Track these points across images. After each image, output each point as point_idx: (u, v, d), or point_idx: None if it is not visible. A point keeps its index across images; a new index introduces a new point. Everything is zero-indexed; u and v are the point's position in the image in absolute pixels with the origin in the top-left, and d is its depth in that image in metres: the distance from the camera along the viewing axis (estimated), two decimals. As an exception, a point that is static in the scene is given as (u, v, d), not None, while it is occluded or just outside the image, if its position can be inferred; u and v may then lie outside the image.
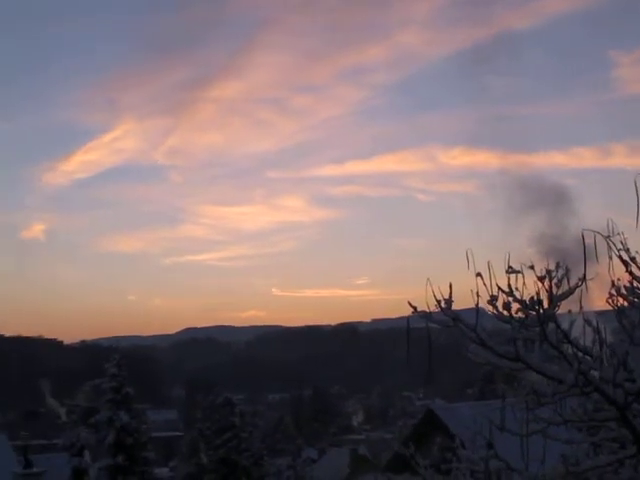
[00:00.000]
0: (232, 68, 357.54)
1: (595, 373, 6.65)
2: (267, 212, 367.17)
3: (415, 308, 6.60)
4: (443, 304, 6.52)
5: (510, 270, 6.49)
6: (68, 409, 51.13)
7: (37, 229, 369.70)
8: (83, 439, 36.29)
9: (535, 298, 6.47)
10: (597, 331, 6.72)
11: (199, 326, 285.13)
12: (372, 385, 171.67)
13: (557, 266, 6.53)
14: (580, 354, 6.68)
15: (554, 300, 6.51)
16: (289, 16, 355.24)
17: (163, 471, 64.10)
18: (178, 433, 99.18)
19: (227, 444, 55.59)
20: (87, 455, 36.96)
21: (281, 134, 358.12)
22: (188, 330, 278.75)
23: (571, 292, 6.59)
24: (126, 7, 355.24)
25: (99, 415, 40.80)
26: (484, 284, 6.44)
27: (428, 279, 6.45)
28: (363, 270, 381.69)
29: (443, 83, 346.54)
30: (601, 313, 7.06)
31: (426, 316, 6.57)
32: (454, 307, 6.62)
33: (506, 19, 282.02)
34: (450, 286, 6.53)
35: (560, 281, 6.53)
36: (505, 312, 6.54)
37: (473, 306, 6.62)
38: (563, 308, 6.65)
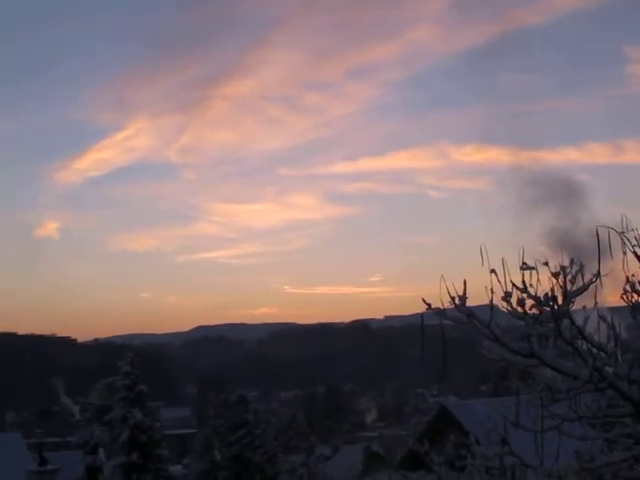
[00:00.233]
0: (244, 66, 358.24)
1: (610, 369, 6.64)
2: (279, 210, 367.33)
3: (429, 305, 6.60)
4: (457, 301, 6.52)
5: (524, 266, 6.49)
6: (82, 407, 51.20)
7: (50, 227, 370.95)
8: (97, 437, 36.38)
9: (549, 294, 6.46)
10: (612, 327, 6.71)
11: (212, 324, 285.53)
12: (385, 382, 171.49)
13: (571, 262, 6.52)
14: (595, 350, 6.67)
15: (568, 296, 6.50)
16: (301, 14, 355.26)
17: (177, 468, 64.13)
18: (191, 430, 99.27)
19: (241, 441, 55.67)
20: (101, 453, 37.04)
21: (293, 132, 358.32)
22: (201, 328, 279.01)
23: (585, 288, 6.58)
24: (139, 6, 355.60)
25: (113, 413, 40.88)
26: (498, 281, 6.44)
27: (442, 276, 6.46)
28: (376, 267, 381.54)
29: (455, 80, 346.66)
30: (615, 309, 7.05)
31: (440, 313, 6.57)
32: (467, 303, 6.62)
33: (518, 15, 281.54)
34: (464, 283, 6.54)
35: (574, 277, 6.52)
36: (519, 308, 6.54)
37: (486, 303, 6.61)
38: (577, 304, 6.64)
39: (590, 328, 6.71)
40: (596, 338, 6.73)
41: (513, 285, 6.50)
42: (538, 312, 6.54)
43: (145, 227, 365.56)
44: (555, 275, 6.48)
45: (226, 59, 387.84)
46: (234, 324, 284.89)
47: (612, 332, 6.69)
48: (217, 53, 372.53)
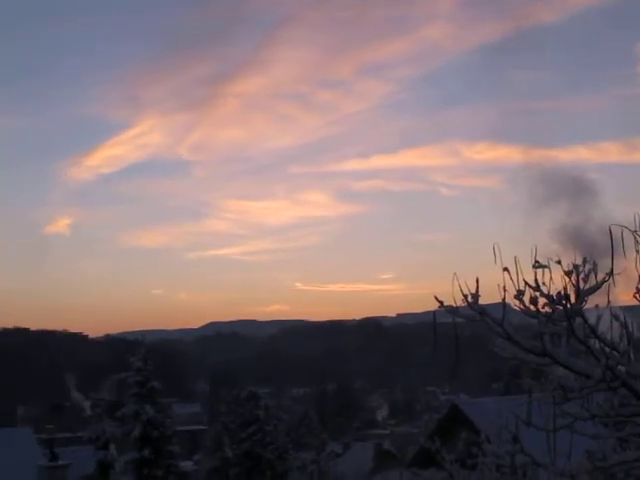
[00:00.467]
0: (255, 63, 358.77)
1: (622, 368, 6.63)
2: (290, 207, 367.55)
3: (442, 303, 6.60)
4: (470, 298, 6.51)
5: (537, 265, 6.47)
6: (93, 402, 51.38)
7: (62, 224, 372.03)
8: (109, 432, 36.45)
9: (562, 293, 6.45)
10: (624, 326, 6.70)
11: (223, 320, 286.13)
12: (396, 380, 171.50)
13: (584, 261, 6.50)
14: (607, 349, 6.65)
15: (581, 295, 6.49)
16: (312, 11, 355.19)
17: (188, 464, 64.25)
18: (202, 427, 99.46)
19: (252, 438, 55.77)
20: (113, 448, 37.10)
21: (304, 129, 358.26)
22: (212, 324, 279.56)
23: (598, 287, 6.57)
24: (151, 4, 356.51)
25: (125, 408, 40.98)
26: (511, 279, 6.43)
27: (455, 274, 6.45)
28: (388, 265, 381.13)
29: (467, 77, 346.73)
30: (628, 308, 7.03)
31: (453, 311, 6.56)
32: (480, 302, 6.61)
33: (530, 13, 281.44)
34: (477, 281, 6.53)
35: (587, 276, 6.50)
36: (532, 307, 6.53)
37: (498, 301, 6.61)
38: (590, 303, 6.63)
39: (603, 327, 6.70)
40: (609, 337, 6.71)
41: (526, 283, 6.49)
42: (551, 310, 6.53)
43: (156, 224, 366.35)
44: (568, 273, 6.47)
45: (237, 56, 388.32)
46: (245, 321, 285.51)
47: (625, 331, 6.68)
48: (228, 50, 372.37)
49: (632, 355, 6.62)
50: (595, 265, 6.55)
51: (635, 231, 6.63)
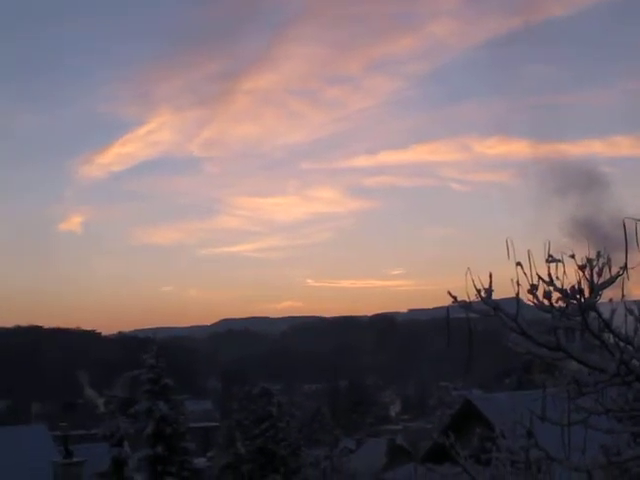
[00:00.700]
0: (265, 60, 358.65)
1: (637, 362, 6.61)
2: (301, 203, 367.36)
3: (455, 298, 6.59)
4: (483, 293, 6.50)
5: (550, 259, 6.46)
6: (106, 400, 51.46)
7: (74, 221, 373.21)
8: (122, 429, 36.55)
9: (576, 287, 6.43)
10: (639, 320, 6.68)
11: (235, 317, 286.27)
12: (409, 375, 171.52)
13: (598, 255, 6.49)
14: (622, 343, 6.64)
15: (595, 289, 6.47)
16: (321, 7, 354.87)
17: (201, 461, 64.34)
18: (214, 423, 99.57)
19: (264, 434, 55.82)
20: (126, 445, 37.22)
21: (314, 125, 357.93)
22: (224, 321, 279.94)
23: (612, 281, 6.55)
24: (161, 1, 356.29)
25: (138, 405, 41.08)
26: (524, 273, 6.42)
27: (468, 269, 6.44)
28: (399, 260, 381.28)
29: (476, 72, 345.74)
30: (643, 302, 7.00)
31: (466, 306, 6.55)
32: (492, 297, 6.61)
33: (539, 7, 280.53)
34: (490, 275, 6.52)
35: (601, 270, 6.49)
36: (546, 301, 6.51)
37: (509, 296, 6.60)
38: (604, 297, 6.61)
39: (617, 321, 6.68)
40: (623, 331, 6.69)
41: (539, 278, 6.47)
42: (564, 305, 6.51)
43: (168, 221, 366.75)
44: (582, 268, 6.45)
45: (248, 53, 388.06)
46: (257, 317, 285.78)
47: (639, 325, 6.66)
48: (239, 47, 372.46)
49: (646, 349, 6.61)
50: (609, 259, 6.53)
51: (649, 225, 6.60)
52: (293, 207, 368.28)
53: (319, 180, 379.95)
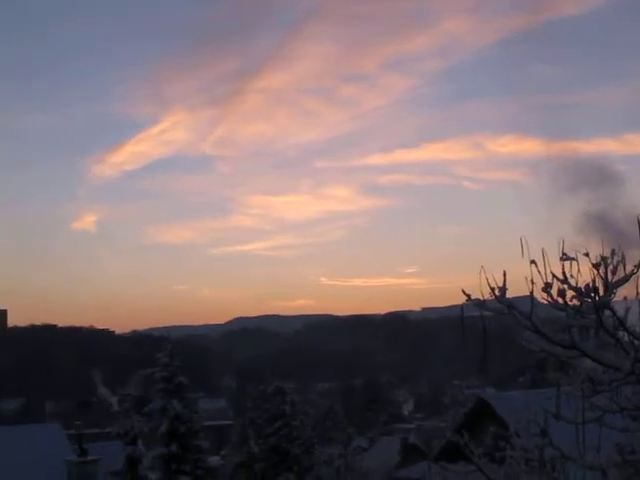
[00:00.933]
0: (279, 58, 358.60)
1: (652, 360, 6.59)
2: (315, 202, 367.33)
3: (469, 296, 6.58)
4: (497, 292, 6.49)
5: (564, 257, 6.45)
6: (120, 398, 51.59)
7: (88, 220, 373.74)
8: (137, 428, 36.58)
9: (590, 285, 6.42)
10: (653, 318, 6.67)
11: (249, 316, 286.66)
12: (422, 374, 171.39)
13: (612, 253, 6.47)
14: (636, 341, 6.62)
15: (610, 287, 6.46)
16: (335, 5, 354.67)
17: (214, 459, 64.43)
18: (228, 422, 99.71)
19: (278, 432, 55.87)
20: (140, 444, 37.24)
21: (328, 124, 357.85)
22: (238, 320, 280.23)
23: (627, 279, 6.53)
24: (174, 0, 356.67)
25: (152, 404, 41.14)
26: (538, 272, 6.41)
27: (482, 267, 6.44)
28: (412, 259, 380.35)
29: (490, 71, 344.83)
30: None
31: (481, 304, 6.54)
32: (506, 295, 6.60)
33: (552, 6, 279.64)
34: (504, 274, 6.51)
35: (615, 268, 6.47)
36: (560, 300, 6.50)
37: (522, 294, 6.59)
38: (618, 295, 6.60)
39: (631, 319, 6.66)
40: (637, 329, 6.68)
41: (553, 276, 6.46)
42: (579, 303, 6.50)
43: (181, 220, 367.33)
44: (596, 266, 6.44)
45: (261, 51, 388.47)
46: (271, 316, 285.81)
47: (654, 323, 6.65)
48: (252, 46, 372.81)
49: (661, 347, 6.59)
50: (623, 257, 6.52)
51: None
52: (306, 205, 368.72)
53: (333, 178, 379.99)
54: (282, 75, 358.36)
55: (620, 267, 6.50)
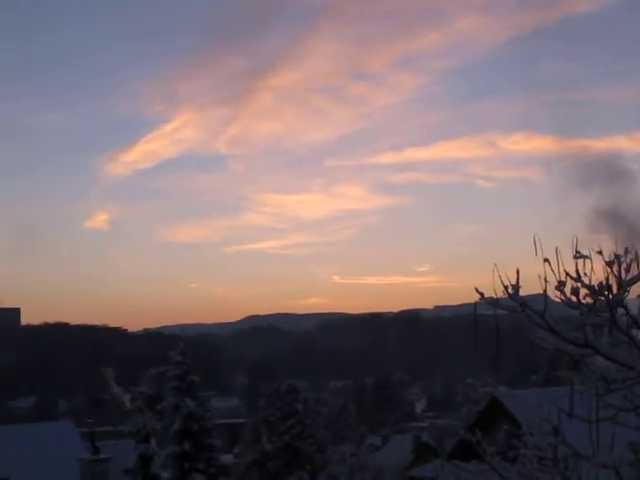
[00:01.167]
0: (290, 57, 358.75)
1: (666, 359, 6.57)
2: (327, 200, 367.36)
3: (482, 294, 6.57)
4: (510, 290, 6.47)
5: (578, 255, 6.43)
6: (132, 396, 51.75)
7: (100, 219, 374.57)
8: (149, 426, 36.66)
9: (604, 283, 6.40)
10: (667, 316, 6.64)
11: (261, 314, 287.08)
12: (435, 372, 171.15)
13: (626, 251, 6.45)
14: (650, 340, 6.60)
15: (623, 285, 6.43)
16: (345, 4, 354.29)
17: (227, 457, 64.51)
18: (241, 420, 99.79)
19: (291, 431, 55.91)
20: (153, 442, 37.31)
21: (339, 122, 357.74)
22: (250, 318, 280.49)
23: (641, 277, 6.51)
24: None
25: (165, 402, 41.22)
26: (551, 270, 6.39)
27: (495, 265, 6.42)
28: (425, 257, 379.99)
29: (501, 68, 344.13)
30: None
31: (494, 302, 6.53)
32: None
33: (565, 3, 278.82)
34: (517, 272, 6.49)
35: (629, 266, 6.45)
36: (573, 298, 6.48)
37: (535, 292, 6.57)
38: (632, 293, 6.57)
39: (645, 317, 6.64)
40: (651, 327, 6.66)
41: (567, 274, 6.44)
42: (592, 301, 6.48)
43: (193, 218, 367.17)
44: (609, 264, 6.41)
45: (272, 50, 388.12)
46: (283, 314, 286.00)
47: (668, 321, 6.62)
48: (263, 45, 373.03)
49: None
50: (637, 255, 6.49)
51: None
52: (318, 204, 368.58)
53: (344, 177, 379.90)
54: (292, 74, 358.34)
55: (634, 265, 6.47)
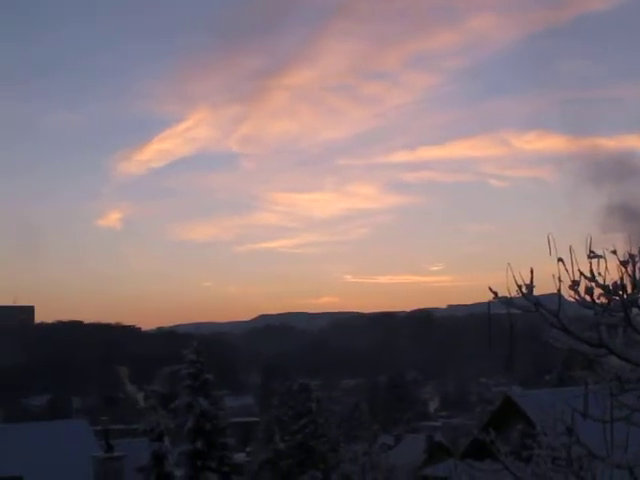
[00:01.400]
0: (303, 56, 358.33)
1: (680, 359, 6.55)
2: (339, 199, 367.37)
3: (496, 294, 6.56)
4: (524, 289, 6.46)
5: (592, 255, 6.41)
6: (146, 394, 51.86)
7: (113, 218, 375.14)
8: (163, 424, 36.74)
9: (618, 283, 6.38)
10: (682, 316, 6.62)
11: (274, 313, 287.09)
12: (448, 372, 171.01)
13: (640, 250, 6.44)
14: (665, 339, 6.58)
15: (638, 285, 6.42)
16: (359, 2, 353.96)
17: (240, 456, 64.58)
18: (254, 419, 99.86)
19: (304, 430, 55.92)
20: (166, 440, 37.40)
21: (352, 121, 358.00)
22: (263, 317, 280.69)
23: (655, 277, 6.49)
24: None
25: (178, 400, 41.28)
26: (565, 269, 6.38)
27: (508, 264, 6.42)
28: (437, 256, 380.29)
29: (514, 67, 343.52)
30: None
31: (508, 302, 6.52)
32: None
33: (578, 1, 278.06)
34: (531, 271, 6.48)
35: (644, 265, 6.43)
36: (587, 297, 6.47)
37: (549, 292, 6.56)
38: (646, 293, 6.55)
39: (660, 317, 6.62)
40: (666, 327, 6.63)
41: (581, 274, 6.43)
42: (607, 301, 6.46)
43: (206, 217, 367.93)
44: (624, 263, 6.40)
45: (286, 49, 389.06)
46: (296, 313, 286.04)
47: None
48: (277, 43, 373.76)
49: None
50: (652, 255, 6.48)
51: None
52: (331, 203, 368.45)
53: (357, 176, 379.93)
54: (306, 72, 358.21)
55: (648, 264, 6.46)
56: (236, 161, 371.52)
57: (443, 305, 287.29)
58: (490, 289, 6.58)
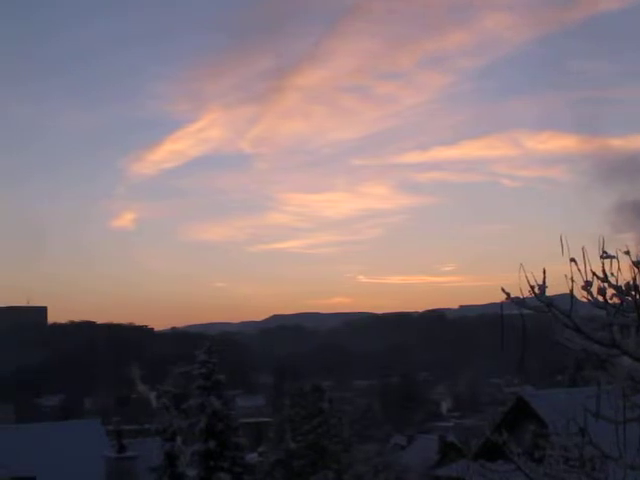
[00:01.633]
0: (316, 56, 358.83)
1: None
2: (352, 199, 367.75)
3: (508, 294, 6.55)
4: (537, 290, 6.46)
5: (604, 255, 6.40)
6: (158, 394, 51.92)
7: (127, 218, 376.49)
8: (175, 424, 36.80)
9: (631, 283, 6.37)
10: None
11: (286, 313, 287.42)
12: (460, 372, 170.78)
13: (653, 251, 6.42)
14: (678, 340, 6.56)
15: (650, 285, 6.41)
16: (372, 2, 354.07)
17: (252, 456, 64.60)
18: (266, 419, 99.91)
19: (316, 430, 55.86)
20: (179, 440, 37.46)
21: (365, 121, 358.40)
22: (275, 317, 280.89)
23: (668, 277, 6.47)
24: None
25: (191, 401, 41.32)
26: (578, 269, 6.36)
27: (521, 264, 6.41)
28: (450, 256, 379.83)
29: (527, 67, 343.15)
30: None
31: (520, 302, 6.51)
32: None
33: (591, 1, 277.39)
34: (544, 272, 6.47)
35: (657, 266, 6.41)
36: (600, 298, 6.46)
37: (561, 292, 6.55)
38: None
39: (673, 318, 6.59)
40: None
41: (593, 274, 6.42)
42: (619, 301, 6.45)
43: (218, 217, 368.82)
44: (636, 264, 6.39)
45: (299, 49, 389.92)
46: (308, 313, 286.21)
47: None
48: (290, 43, 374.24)
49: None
50: (665, 255, 6.46)
51: None
52: (343, 203, 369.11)
53: (369, 176, 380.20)
54: (319, 73, 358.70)
55: (661, 265, 6.44)
56: (248, 161, 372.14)
57: (455, 306, 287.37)
58: (503, 290, 6.57)
